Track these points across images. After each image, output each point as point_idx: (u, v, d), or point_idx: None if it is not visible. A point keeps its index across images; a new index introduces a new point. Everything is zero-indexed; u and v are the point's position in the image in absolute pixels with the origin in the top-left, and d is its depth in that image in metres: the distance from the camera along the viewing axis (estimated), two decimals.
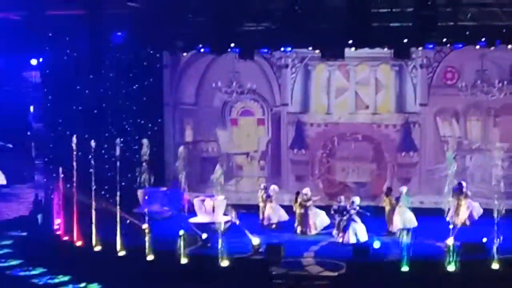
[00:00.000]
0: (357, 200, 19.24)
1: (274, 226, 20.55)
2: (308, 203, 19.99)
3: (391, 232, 19.32)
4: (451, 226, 17.67)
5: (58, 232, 19.33)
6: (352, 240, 18.56)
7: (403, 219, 19.28)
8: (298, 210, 20.13)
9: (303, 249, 18.10)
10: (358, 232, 18.65)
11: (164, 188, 22.67)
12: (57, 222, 19.62)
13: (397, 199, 19.65)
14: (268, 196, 20.82)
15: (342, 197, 19.67)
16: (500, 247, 16.97)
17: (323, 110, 23.40)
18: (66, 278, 17.29)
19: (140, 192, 21.86)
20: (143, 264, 17.00)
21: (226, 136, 23.95)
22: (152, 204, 21.73)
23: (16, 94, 27.73)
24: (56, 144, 22.29)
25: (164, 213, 21.72)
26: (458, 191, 20.60)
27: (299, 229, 19.98)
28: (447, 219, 20.19)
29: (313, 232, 19.84)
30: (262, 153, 23.81)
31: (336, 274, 16.18)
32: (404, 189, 19.94)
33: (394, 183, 22.08)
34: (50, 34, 20.95)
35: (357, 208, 18.99)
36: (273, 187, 20.99)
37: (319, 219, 19.97)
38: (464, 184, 20.71)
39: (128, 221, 19.43)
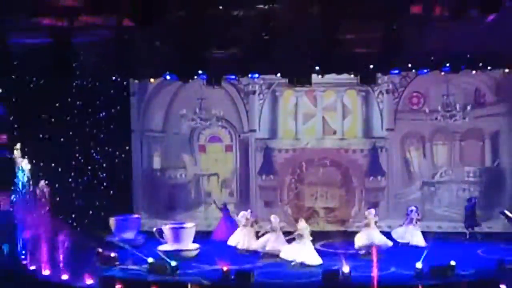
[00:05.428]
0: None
1: None
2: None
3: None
4: None
5: (24, 262, 19.06)
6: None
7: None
8: None
9: (273, 274, 18.04)
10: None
11: (136, 216, 22.51)
12: (24, 251, 19.35)
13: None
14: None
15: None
16: (467, 270, 17.17)
17: (291, 136, 23.48)
18: None
19: (112, 220, 21.69)
20: None
21: (194, 163, 23.90)
22: (124, 232, 21.59)
23: None
24: None
25: (137, 241, 21.54)
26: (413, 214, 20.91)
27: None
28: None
29: None
30: (231, 179, 23.79)
31: None
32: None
33: (362, 208, 22.21)
34: (16, 63, 20.79)
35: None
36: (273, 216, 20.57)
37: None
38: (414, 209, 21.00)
39: (97, 250, 19.28)
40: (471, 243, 20.79)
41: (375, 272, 16.41)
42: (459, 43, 19.46)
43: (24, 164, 19.42)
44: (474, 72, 21.14)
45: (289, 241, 19.34)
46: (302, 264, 18.62)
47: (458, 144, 22.92)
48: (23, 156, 19.56)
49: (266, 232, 20.12)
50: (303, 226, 19.27)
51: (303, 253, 18.79)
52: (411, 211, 20.97)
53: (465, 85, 22.52)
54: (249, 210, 21.25)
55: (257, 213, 21.67)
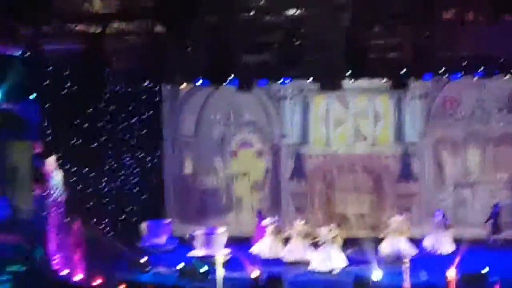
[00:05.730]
0: None
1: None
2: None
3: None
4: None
5: (56, 266, 19.22)
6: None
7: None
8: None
9: (304, 282, 17.99)
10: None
11: (168, 220, 22.60)
12: (56, 255, 19.52)
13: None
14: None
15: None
16: (498, 278, 16.97)
17: (322, 142, 23.34)
18: None
19: (143, 225, 21.83)
20: None
21: (225, 168, 23.90)
22: (156, 236, 21.71)
23: None
24: None
25: (168, 246, 21.63)
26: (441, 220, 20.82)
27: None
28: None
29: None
30: (262, 185, 23.77)
31: None
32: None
33: (393, 214, 22.03)
34: (50, 68, 21.01)
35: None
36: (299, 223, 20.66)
37: None
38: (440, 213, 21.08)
39: (128, 255, 19.39)
40: (503, 250, 20.55)
41: (406, 281, 16.26)
42: (493, 47, 19.27)
43: (57, 172, 19.62)
44: (508, 76, 20.83)
45: (315, 248, 19.36)
46: (330, 271, 18.60)
47: (492, 150, 22.67)
48: (57, 166, 19.77)
49: (290, 238, 20.15)
50: (324, 232, 19.28)
51: (329, 259, 18.78)
52: (438, 214, 20.84)
53: (498, 90, 22.25)
54: (275, 217, 21.19)
55: (284, 220, 21.57)
